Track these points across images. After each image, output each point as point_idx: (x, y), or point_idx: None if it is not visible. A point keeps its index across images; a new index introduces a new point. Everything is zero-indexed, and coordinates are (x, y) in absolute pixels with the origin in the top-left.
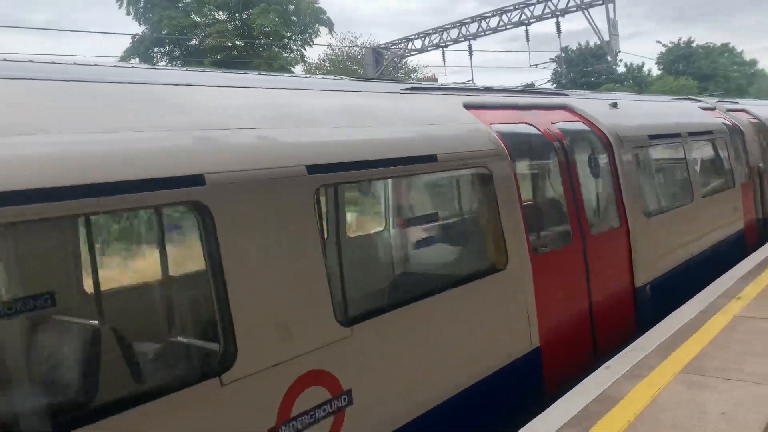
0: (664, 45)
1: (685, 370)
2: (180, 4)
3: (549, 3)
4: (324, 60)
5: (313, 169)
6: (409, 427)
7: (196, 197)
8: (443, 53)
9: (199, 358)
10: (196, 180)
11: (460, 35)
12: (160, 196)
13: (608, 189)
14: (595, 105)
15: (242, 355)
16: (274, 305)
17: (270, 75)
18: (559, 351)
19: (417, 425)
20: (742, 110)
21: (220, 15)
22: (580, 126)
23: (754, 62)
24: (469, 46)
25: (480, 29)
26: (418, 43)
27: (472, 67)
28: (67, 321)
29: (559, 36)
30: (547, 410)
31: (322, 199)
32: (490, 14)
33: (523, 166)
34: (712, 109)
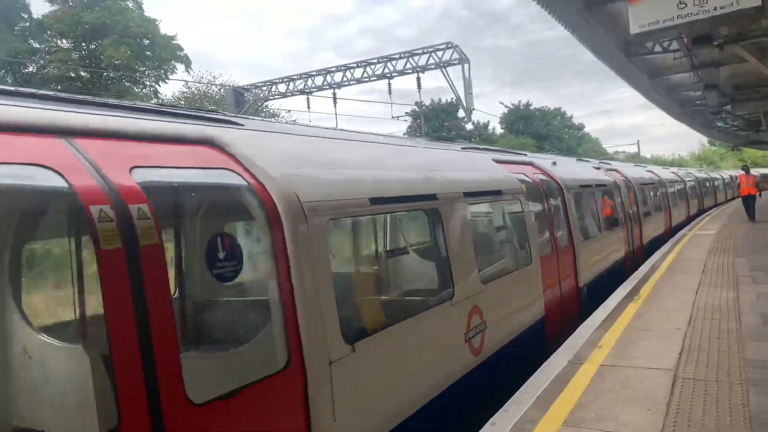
0: (506, 106)
1: (567, 423)
2: (17, 28)
3: (411, 59)
4: (179, 98)
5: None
6: (512, 343)
7: (436, 206)
8: (308, 99)
9: (445, 293)
10: (435, 197)
11: (325, 83)
12: (425, 204)
13: (563, 220)
14: (545, 162)
15: (455, 292)
16: (460, 269)
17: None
18: (551, 318)
19: (513, 342)
20: (616, 170)
21: (64, 43)
22: (545, 177)
23: (581, 126)
24: (334, 94)
25: (344, 78)
26: (282, 87)
27: (336, 114)
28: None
29: (419, 90)
30: None
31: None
32: (354, 65)
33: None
34: (598, 168)
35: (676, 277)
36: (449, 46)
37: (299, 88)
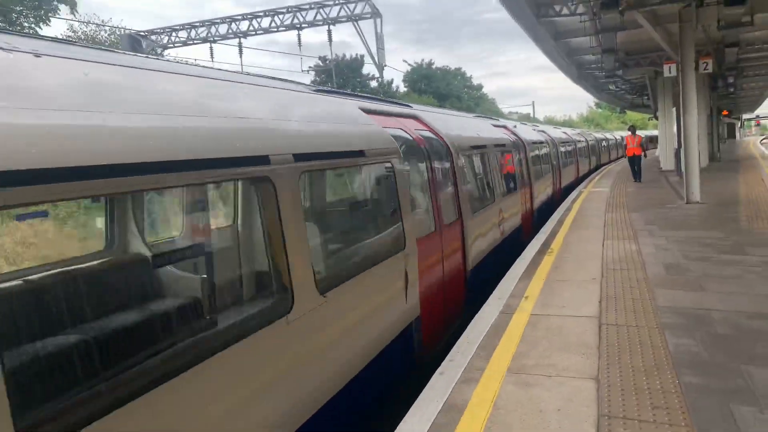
0: (409, 64)
1: (511, 370)
2: None
3: (321, 10)
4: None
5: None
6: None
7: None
8: (211, 48)
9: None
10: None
11: (230, 31)
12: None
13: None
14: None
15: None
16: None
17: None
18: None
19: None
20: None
21: None
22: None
23: (480, 86)
24: (239, 44)
25: (251, 28)
26: (183, 35)
27: (242, 65)
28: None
29: (330, 43)
30: (399, 427)
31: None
32: (262, 14)
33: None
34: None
35: (582, 232)
36: None
37: (202, 36)
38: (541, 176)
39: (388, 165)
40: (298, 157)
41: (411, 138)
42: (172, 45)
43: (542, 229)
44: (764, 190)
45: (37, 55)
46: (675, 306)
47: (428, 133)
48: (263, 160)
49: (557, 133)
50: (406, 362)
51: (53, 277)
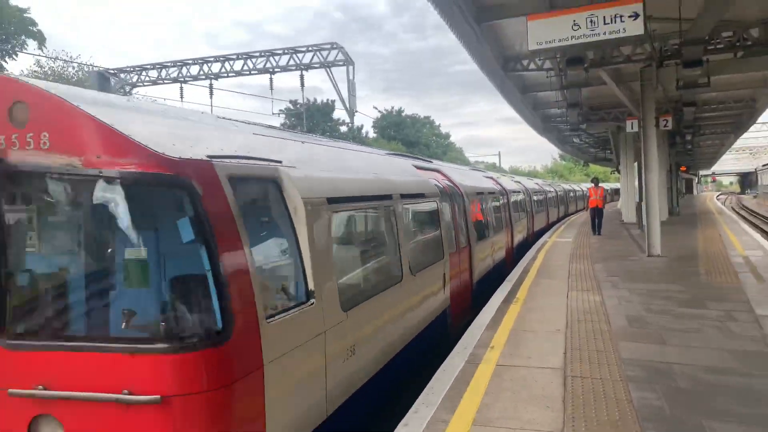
0: (379, 111)
1: (476, 422)
2: None
3: (294, 56)
4: (29, 77)
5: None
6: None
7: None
8: (181, 88)
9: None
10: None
11: (201, 72)
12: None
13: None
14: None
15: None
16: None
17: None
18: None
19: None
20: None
21: None
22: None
23: (448, 135)
24: (210, 86)
25: (223, 70)
26: (153, 74)
27: (212, 106)
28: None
29: (302, 88)
30: None
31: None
32: (234, 56)
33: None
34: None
35: (547, 282)
36: (334, 46)
37: (172, 76)
38: (519, 220)
39: (434, 202)
40: (401, 196)
41: (440, 186)
42: (141, 84)
43: (508, 278)
44: (722, 245)
45: (303, 142)
46: (638, 359)
47: (448, 182)
48: (391, 196)
49: (531, 183)
50: (445, 330)
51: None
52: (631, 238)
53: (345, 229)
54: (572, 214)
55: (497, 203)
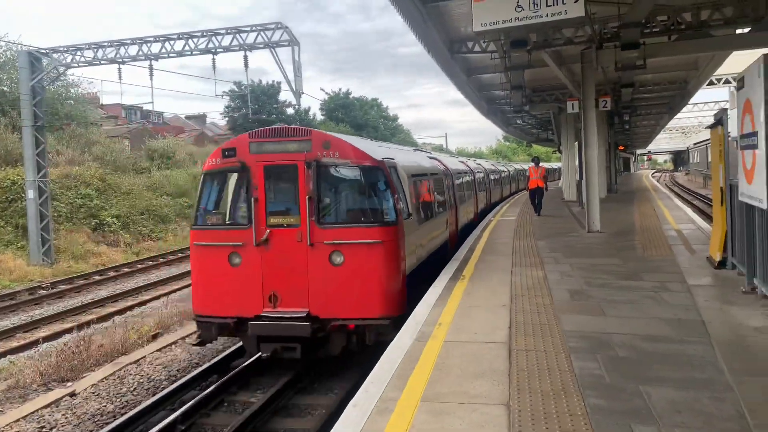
0: (327, 93)
1: (425, 399)
2: None
3: (237, 36)
4: None
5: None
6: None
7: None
8: (119, 69)
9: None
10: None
11: (140, 53)
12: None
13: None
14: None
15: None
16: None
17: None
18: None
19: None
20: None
21: None
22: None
23: (396, 117)
24: (150, 66)
25: (163, 50)
26: (89, 54)
27: (152, 87)
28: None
29: (246, 69)
30: None
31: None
32: (175, 36)
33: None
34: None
35: (492, 258)
36: (279, 26)
37: (109, 56)
38: (481, 191)
39: (444, 178)
40: (431, 173)
41: (440, 167)
42: (76, 65)
43: (454, 257)
44: (656, 220)
45: (396, 149)
46: (579, 330)
47: (441, 166)
48: (426, 174)
49: (487, 165)
50: (447, 249)
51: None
52: (572, 215)
53: (418, 188)
54: (522, 190)
55: (469, 179)
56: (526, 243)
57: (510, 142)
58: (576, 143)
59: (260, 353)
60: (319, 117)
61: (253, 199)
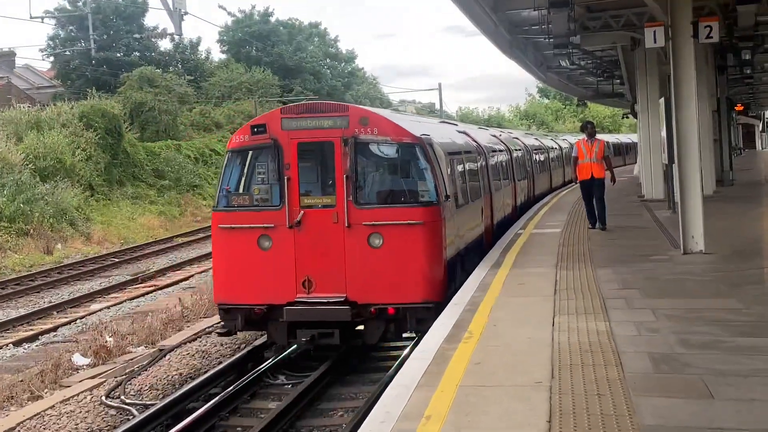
0: (230, 14)
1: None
2: None
3: None
4: None
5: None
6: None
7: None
8: None
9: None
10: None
11: None
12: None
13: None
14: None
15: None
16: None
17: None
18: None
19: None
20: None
21: None
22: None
23: (352, 57)
24: None
25: None
26: None
27: None
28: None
29: None
30: None
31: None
32: None
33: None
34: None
35: (519, 301)
36: None
37: None
38: (522, 176)
39: (477, 156)
40: (464, 152)
41: (473, 144)
42: None
43: (453, 300)
44: None
45: (428, 123)
46: (669, 425)
47: (473, 142)
48: (460, 152)
49: (528, 139)
50: (483, 245)
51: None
52: (656, 225)
53: (453, 168)
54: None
55: (505, 159)
56: (578, 273)
57: (550, 98)
58: (661, 100)
59: (291, 342)
60: (218, 54)
61: (285, 178)
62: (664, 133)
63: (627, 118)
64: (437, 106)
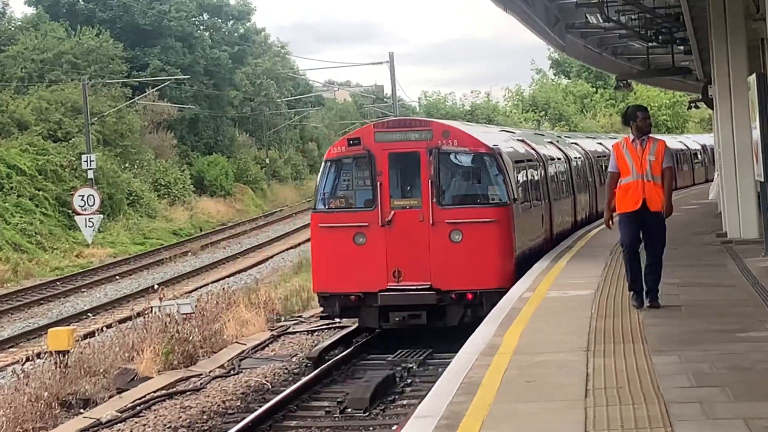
0: None
1: None
2: None
3: None
4: None
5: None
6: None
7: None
8: None
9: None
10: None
11: None
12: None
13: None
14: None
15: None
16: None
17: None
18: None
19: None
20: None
21: None
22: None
23: (246, 11)
24: None
25: None
26: None
27: None
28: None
29: None
30: None
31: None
32: None
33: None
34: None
35: (525, 411)
36: None
37: None
38: (582, 189)
39: (537, 165)
40: (526, 161)
41: (533, 153)
42: None
43: (422, 408)
44: None
45: (495, 132)
46: None
47: (533, 151)
48: (523, 160)
49: (589, 143)
50: (544, 248)
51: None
52: (748, 281)
53: (518, 175)
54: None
55: (564, 169)
56: (623, 362)
57: (571, 77)
58: (752, 78)
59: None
60: (23, 9)
61: (378, 184)
62: (757, 133)
63: (696, 108)
64: (387, 90)
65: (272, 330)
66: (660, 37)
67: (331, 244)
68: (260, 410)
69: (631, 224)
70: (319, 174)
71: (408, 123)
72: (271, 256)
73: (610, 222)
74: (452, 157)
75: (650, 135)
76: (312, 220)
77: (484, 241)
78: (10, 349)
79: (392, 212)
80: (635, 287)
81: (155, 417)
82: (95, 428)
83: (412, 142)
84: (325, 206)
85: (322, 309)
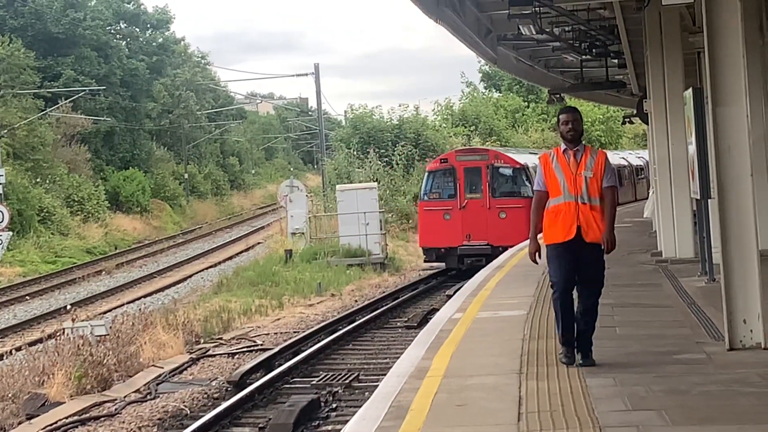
0: None
1: None
2: None
3: None
4: None
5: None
6: None
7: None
8: None
9: None
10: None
11: None
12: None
13: None
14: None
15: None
16: None
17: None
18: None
19: None
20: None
21: None
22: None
23: (165, 20)
24: None
25: None
26: None
27: None
28: None
29: None
30: None
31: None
32: None
33: None
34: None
35: None
36: None
37: None
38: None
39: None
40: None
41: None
42: None
43: None
44: None
45: (522, 152)
46: None
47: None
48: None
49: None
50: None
51: None
52: (683, 301)
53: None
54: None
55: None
56: (557, 385)
57: (502, 91)
58: (688, 93)
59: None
60: None
61: (457, 185)
62: (693, 148)
63: (630, 123)
64: (312, 103)
65: (191, 353)
66: (594, 50)
67: (430, 219)
68: None
69: (564, 259)
70: (424, 179)
71: (475, 150)
72: (190, 275)
73: (536, 255)
74: (500, 170)
75: (588, 145)
76: (420, 206)
77: (517, 218)
78: None
79: (466, 201)
80: (565, 337)
81: None
82: None
83: (477, 161)
84: (427, 198)
85: (425, 258)
